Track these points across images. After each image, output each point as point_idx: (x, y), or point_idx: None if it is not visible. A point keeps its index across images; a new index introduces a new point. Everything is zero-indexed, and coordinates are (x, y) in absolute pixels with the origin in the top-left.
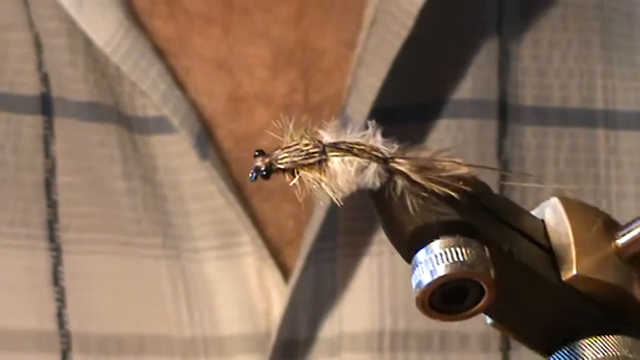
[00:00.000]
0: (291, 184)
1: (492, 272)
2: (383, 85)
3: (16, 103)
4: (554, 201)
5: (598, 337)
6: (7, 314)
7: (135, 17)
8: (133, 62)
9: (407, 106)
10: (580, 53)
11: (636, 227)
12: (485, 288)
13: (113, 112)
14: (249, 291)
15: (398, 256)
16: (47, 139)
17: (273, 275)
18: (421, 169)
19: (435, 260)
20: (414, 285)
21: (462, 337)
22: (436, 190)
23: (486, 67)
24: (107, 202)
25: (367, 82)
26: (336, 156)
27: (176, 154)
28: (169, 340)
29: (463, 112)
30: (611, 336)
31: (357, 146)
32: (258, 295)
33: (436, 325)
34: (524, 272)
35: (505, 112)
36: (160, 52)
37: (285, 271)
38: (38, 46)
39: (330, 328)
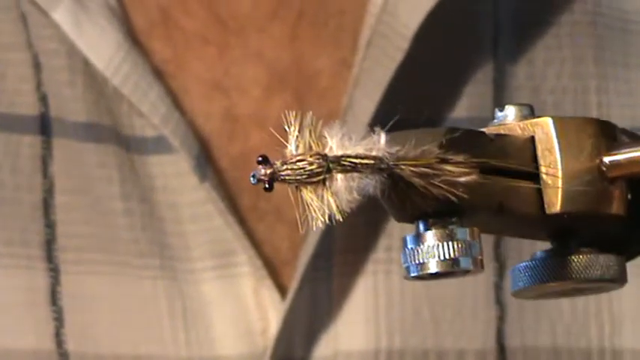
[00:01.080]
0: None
1: (481, 261)
2: (378, 106)
3: (15, 123)
4: (546, 120)
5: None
6: (6, 334)
7: (133, 38)
8: (133, 84)
9: (403, 125)
10: (574, 71)
11: (625, 151)
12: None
13: (112, 133)
14: (246, 310)
15: (393, 275)
16: (45, 160)
17: (270, 295)
18: (424, 174)
19: (426, 253)
20: (403, 267)
21: (459, 354)
22: (436, 194)
23: (482, 85)
24: (105, 223)
25: (362, 104)
26: (340, 172)
27: (174, 174)
28: None
29: None
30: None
31: (360, 161)
32: (255, 314)
33: (432, 343)
34: (514, 222)
35: None
36: (158, 73)
37: (282, 291)
38: (37, 66)
39: (325, 347)
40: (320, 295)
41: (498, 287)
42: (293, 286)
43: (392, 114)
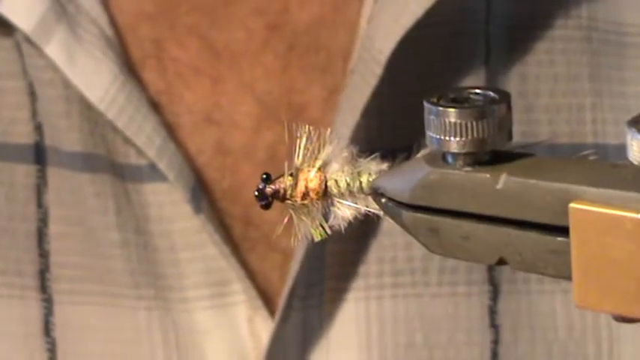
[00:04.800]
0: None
1: None
2: (355, 133)
3: (10, 152)
4: None
5: None
6: None
7: (129, 69)
8: (128, 118)
9: (394, 149)
10: (568, 88)
11: None
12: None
13: (107, 162)
14: (240, 339)
15: (385, 301)
16: (40, 189)
17: (265, 324)
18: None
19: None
20: None
21: None
22: None
23: None
24: (100, 253)
25: (341, 132)
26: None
27: (169, 202)
28: None
29: None
30: None
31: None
32: (250, 343)
33: None
34: None
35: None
36: (153, 105)
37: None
38: (32, 94)
39: None
40: (311, 322)
41: (492, 311)
42: (277, 316)
43: (382, 136)
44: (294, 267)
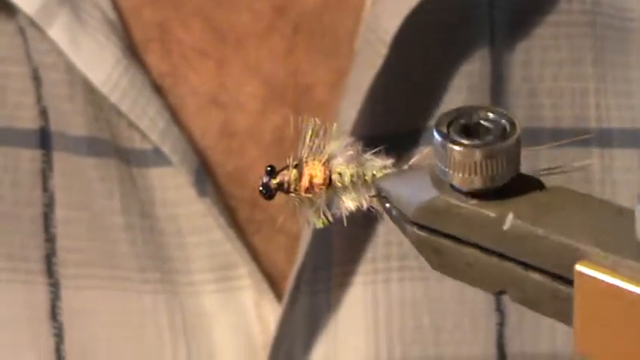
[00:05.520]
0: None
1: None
2: (361, 114)
3: (15, 137)
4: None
5: None
6: (6, 349)
7: (132, 52)
8: (132, 101)
9: (389, 135)
10: (572, 72)
11: None
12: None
13: (111, 146)
14: (247, 324)
15: (392, 285)
16: (45, 174)
17: (272, 307)
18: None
19: None
20: None
21: None
22: None
23: (480, 90)
24: (106, 237)
25: (347, 113)
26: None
27: (173, 186)
28: None
29: None
30: None
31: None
32: (257, 327)
33: (433, 352)
34: None
35: None
36: (156, 87)
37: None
38: (37, 79)
39: (324, 357)
40: (319, 306)
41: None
42: (285, 299)
43: (387, 121)
44: (302, 250)
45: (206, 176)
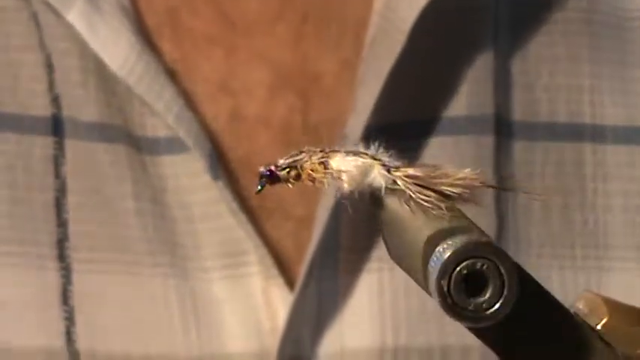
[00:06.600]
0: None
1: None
2: (378, 102)
3: (28, 125)
4: (588, 295)
5: None
6: (16, 332)
7: (145, 38)
8: (147, 85)
9: (402, 123)
10: (568, 69)
11: None
12: (504, 271)
13: (123, 133)
14: (255, 310)
15: (398, 272)
16: (58, 160)
17: (280, 293)
18: (422, 181)
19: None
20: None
21: (464, 350)
22: (439, 195)
23: (482, 82)
24: (117, 222)
25: (364, 101)
26: (339, 155)
27: (186, 174)
28: (177, 359)
29: (459, 129)
30: None
31: (359, 151)
32: (265, 313)
33: (437, 340)
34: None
35: (500, 128)
36: (169, 73)
37: (291, 288)
38: (50, 67)
39: (332, 344)
40: (326, 293)
41: None
42: (298, 283)
43: (393, 111)
44: (316, 234)
45: (218, 162)
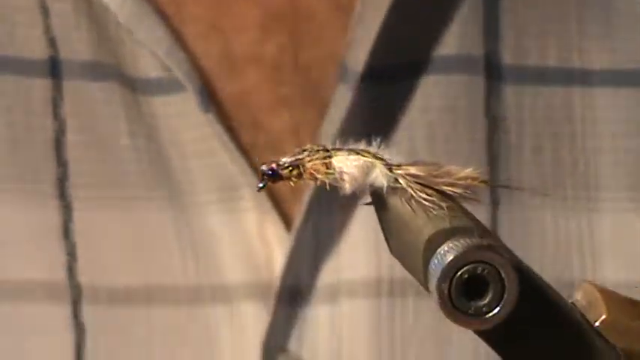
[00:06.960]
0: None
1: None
2: (377, 39)
3: (26, 67)
4: (586, 286)
5: None
6: (19, 266)
7: None
8: (138, 21)
9: (396, 64)
10: (556, 13)
11: None
12: (504, 275)
13: (116, 72)
14: (249, 243)
15: None
16: (56, 102)
17: (274, 228)
18: (424, 180)
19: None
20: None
21: None
22: (441, 193)
23: (472, 23)
24: (113, 158)
25: (363, 39)
26: (341, 154)
27: (177, 113)
28: (176, 288)
29: (451, 68)
30: None
31: (361, 149)
32: (259, 246)
33: None
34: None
35: (490, 70)
36: (159, 13)
37: (286, 224)
38: (45, 11)
39: (329, 276)
40: (323, 228)
41: (494, 219)
42: (298, 218)
43: (386, 53)
44: None
45: (209, 98)
